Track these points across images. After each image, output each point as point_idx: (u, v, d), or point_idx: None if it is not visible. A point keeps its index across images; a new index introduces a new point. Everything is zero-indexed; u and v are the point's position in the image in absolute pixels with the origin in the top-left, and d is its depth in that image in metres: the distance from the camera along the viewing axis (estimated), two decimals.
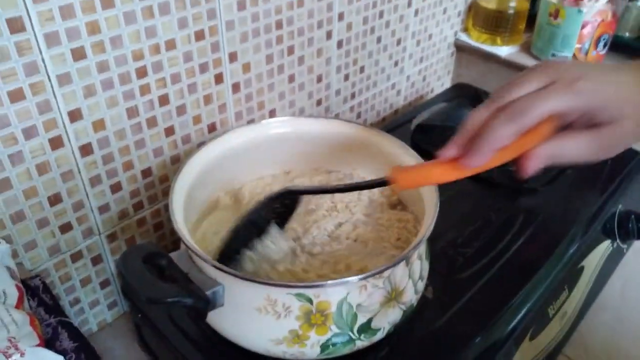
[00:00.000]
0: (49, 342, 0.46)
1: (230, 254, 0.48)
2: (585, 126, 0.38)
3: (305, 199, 0.55)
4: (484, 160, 0.38)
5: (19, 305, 0.47)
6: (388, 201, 0.58)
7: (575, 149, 0.38)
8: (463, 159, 0.38)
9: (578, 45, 0.90)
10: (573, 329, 0.66)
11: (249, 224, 0.49)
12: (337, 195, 0.57)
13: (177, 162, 0.63)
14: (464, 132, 0.39)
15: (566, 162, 0.38)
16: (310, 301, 0.41)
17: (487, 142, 0.37)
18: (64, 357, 0.44)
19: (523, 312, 0.55)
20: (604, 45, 0.92)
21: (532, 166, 0.38)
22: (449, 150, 0.40)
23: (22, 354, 0.42)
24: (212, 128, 0.65)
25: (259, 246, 0.49)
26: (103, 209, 0.59)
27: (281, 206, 0.52)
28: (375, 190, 0.58)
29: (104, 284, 0.63)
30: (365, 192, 0.58)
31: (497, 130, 0.36)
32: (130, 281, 0.39)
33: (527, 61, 0.96)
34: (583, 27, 0.88)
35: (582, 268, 0.64)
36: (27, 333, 0.44)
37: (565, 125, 0.38)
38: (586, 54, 0.91)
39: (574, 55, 0.91)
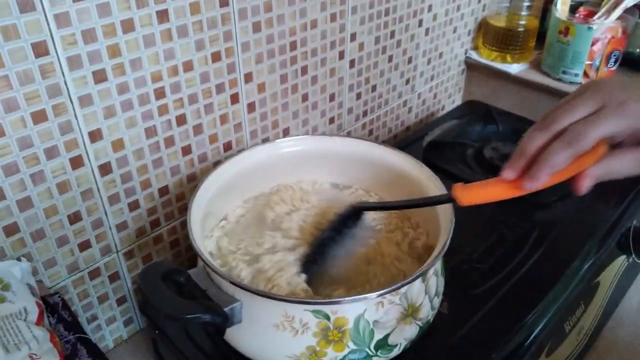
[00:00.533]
0: (68, 359, 0.47)
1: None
2: (634, 143, 0.41)
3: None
4: (542, 183, 0.41)
5: (39, 322, 0.47)
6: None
7: (625, 166, 0.41)
8: (523, 181, 0.41)
9: (589, 62, 0.90)
10: (590, 345, 0.66)
11: (322, 244, 0.52)
12: None
13: (194, 180, 0.64)
14: (522, 155, 0.42)
15: (616, 178, 0.41)
16: (327, 317, 0.41)
17: (546, 166, 0.40)
18: None
19: (539, 328, 0.55)
20: (615, 62, 0.92)
21: (585, 186, 0.41)
22: (509, 172, 0.42)
23: None
24: (227, 147, 0.66)
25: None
26: (121, 226, 0.60)
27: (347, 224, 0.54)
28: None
29: (121, 301, 0.64)
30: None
31: (555, 156, 0.39)
32: (149, 298, 0.40)
33: (538, 78, 0.97)
34: (593, 44, 0.89)
35: (598, 283, 0.64)
36: (48, 349, 0.45)
37: (616, 143, 0.42)
38: (597, 70, 0.91)
39: (585, 72, 0.91)
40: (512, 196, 0.43)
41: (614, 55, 0.91)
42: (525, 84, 0.98)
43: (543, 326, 0.55)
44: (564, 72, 0.93)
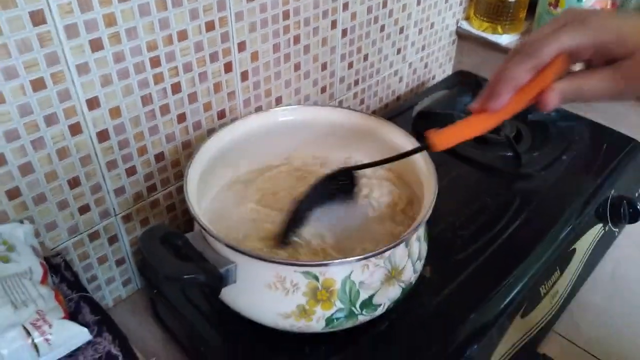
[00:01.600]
0: (72, 316, 0.50)
1: (289, 234, 0.52)
2: (603, 64, 0.40)
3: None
4: (504, 100, 0.40)
5: (44, 281, 0.50)
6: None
7: (595, 84, 0.40)
8: (488, 104, 0.41)
9: None
10: (564, 307, 0.69)
11: (307, 204, 0.53)
12: None
13: (189, 147, 0.66)
14: (488, 85, 0.42)
15: (587, 99, 0.40)
16: (316, 278, 0.44)
17: (505, 82, 0.39)
18: (87, 329, 0.47)
19: (516, 291, 0.58)
20: None
21: (552, 100, 0.40)
22: (476, 103, 0.43)
23: (50, 326, 0.45)
24: (221, 115, 0.68)
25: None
26: (119, 191, 0.62)
27: (338, 185, 0.55)
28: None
29: (119, 262, 0.67)
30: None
31: (514, 68, 0.39)
32: (149, 259, 0.42)
33: None
34: None
35: (574, 250, 0.68)
36: (54, 307, 0.47)
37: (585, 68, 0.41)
38: None
39: None
40: (484, 129, 0.43)
41: None
42: None
43: (519, 289, 0.58)
44: None
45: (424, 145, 0.46)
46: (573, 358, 0.65)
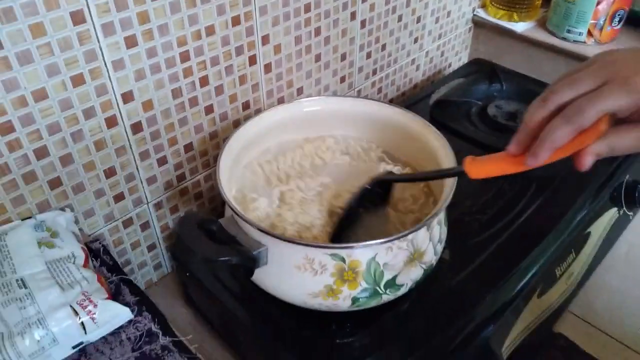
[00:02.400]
0: (113, 297, 0.53)
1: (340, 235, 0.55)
2: (639, 119, 0.40)
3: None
4: (544, 159, 0.41)
5: (86, 265, 0.53)
6: None
7: (628, 142, 0.40)
8: (526, 158, 0.42)
9: (593, 21, 0.93)
10: (579, 288, 0.71)
11: (349, 212, 0.55)
12: None
13: (216, 137, 0.69)
14: (525, 130, 0.43)
15: (619, 154, 0.41)
16: (343, 260, 0.47)
17: (546, 142, 0.40)
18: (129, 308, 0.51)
19: (532, 272, 0.60)
20: (619, 21, 0.95)
21: (587, 162, 0.41)
22: (513, 147, 0.44)
23: (95, 305, 0.48)
24: (245, 106, 0.71)
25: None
26: (151, 180, 0.65)
27: (374, 194, 0.57)
28: None
29: (151, 248, 0.70)
30: None
31: (555, 132, 0.39)
32: (187, 243, 0.45)
33: (543, 37, 0.99)
34: (598, 3, 0.91)
35: (589, 233, 0.69)
36: (97, 288, 0.51)
37: (620, 118, 0.41)
38: (601, 29, 0.94)
39: (589, 31, 0.94)
40: (516, 171, 0.45)
41: (619, 15, 0.93)
42: (530, 42, 1.01)
43: (535, 271, 0.61)
44: (569, 31, 0.96)
45: (462, 172, 0.48)
46: (587, 337, 0.67)
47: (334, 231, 0.55)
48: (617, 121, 0.40)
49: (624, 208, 0.76)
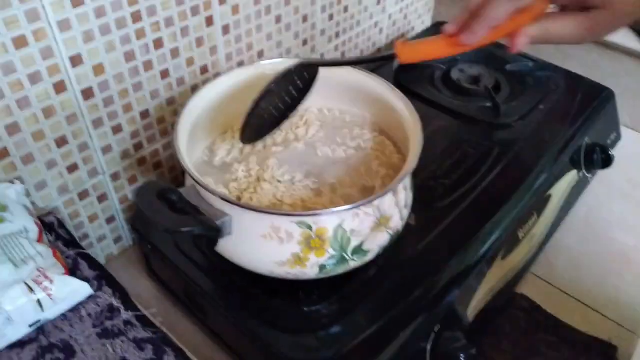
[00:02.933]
0: (71, 272, 0.51)
1: (250, 133, 0.53)
2: (577, 9, 0.41)
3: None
4: (479, 37, 0.42)
5: (40, 240, 0.51)
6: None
7: (563, 28, 0.41)
8: (461, 36, 0.42)
9: None
10: (541, 250, 0.73)
11: (268, 96, 0.53)
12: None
13: (173, 103, 0.66)
14: (464, 11, 0.42)
15: (554, 42, 0.42)
16: (309, 227, 0.46)
17: (485, 19, 0.41)
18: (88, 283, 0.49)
19: (495, 236, 0.61)
20: None
21: (521, 43, 0.42)
22: (450, 27, 0.43)
23: (51, 282, 0.46)
24: (204, 70, 0.68)
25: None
26: (106, 149, 0.62)
27: (299, 80, 0.55)
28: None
29: (110, 220, 0.68)
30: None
31: (494, 9, 0.40)
32: (147, 214, 0.43)
33: None
34: None
35: (550, 196, 0.71)
36: (53, 263, 0.48)
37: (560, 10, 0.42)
38: None
39: None
40: (450, 53, 0.45)
41: None
42: None
43: (499, 235, 0.61)
44: None
45: (392, 54, 0.47)
46: (549, 297, 0.69)
47: (246, 121, 0.53)
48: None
49: (584, 170, 0.78)
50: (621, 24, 0.42)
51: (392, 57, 0.47)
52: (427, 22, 1.10)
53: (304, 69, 0.54)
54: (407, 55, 0.47)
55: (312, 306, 0.53)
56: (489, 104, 0.77)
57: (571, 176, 0.76)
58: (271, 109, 0.54)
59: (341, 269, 0.50)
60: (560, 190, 0.73)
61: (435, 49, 0.46)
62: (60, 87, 0.54)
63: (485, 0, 0.41)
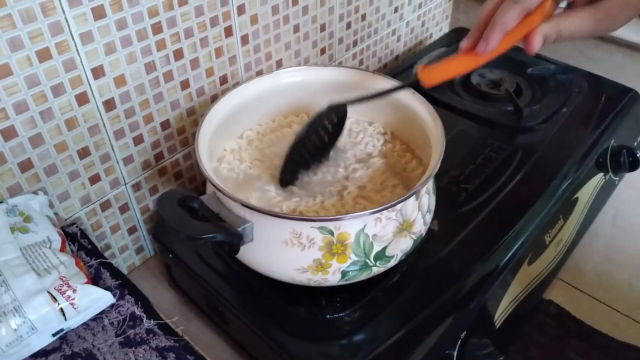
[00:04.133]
0: (93, 281, 0.51)
1: (288, 176, 0.54)
2: (586, 3, 0.42)
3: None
4: (494, 44, 0.43)
5: (62, 249, 0.51)
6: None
7: (575, 23, 0.42)
8: (477, 48, 0.43)
9: None
10: (567, 255, 0.71)
11: (301, 142, 0.53)
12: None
13: (193, 114, 0.66)
14: (477, 24, 0.44)
15: (567, 37, 0.42)
16: (331, 233, 0.45)
17: (496, 26, 0.41)
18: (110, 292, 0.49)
19: (521, 240, 0.60)
20: None
21: (536, 43, 0.42)
22: (465, 42, 0.45)
23: (74, 291, 0.46)
24: (223, 80, 0.68)
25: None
26: (127, 160, 0.62)
27: (329, 121, 0.55)
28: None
29: (131, 231, 0.68)
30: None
31: (504, 14, 0.41)
32: (169, 221, 0.43)
33: None
34: None
35: (577, 199, 0.69)
36: (75, 272, 0.48)
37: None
38: None
39: None
40: (471, 67, 0.46)
41: None
42: None
43: (525, 239, 0.60)
44: None
45: (415, 82, 0.49)
46: (577, 303, 0.67)
47: (283, 167, 0.54)
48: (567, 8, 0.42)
49: (610, 173, 0.76)
50: (633, 12, 0.42)
51: (416, 84, 0.49)
52: (445, 29, 1.09)
53: (332, 110, 0.55)
54: (430, 79, 0.48)
55: (334, 314, 0.52)
56: (510, 108, 0.76)
57: (598, 179, 0.74)
58: (304, 153, 0.55)
59: (364, 275, 0.49)
60: (586, 193, 0.72)
61: (456, 67, 0.47)
62: (82, 99, 0.55)
63: (494, 9, 0.42)
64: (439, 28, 1.08)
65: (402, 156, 0.59)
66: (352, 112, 0.65)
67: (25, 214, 0.52)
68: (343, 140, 0.61)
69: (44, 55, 0.50)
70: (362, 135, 0.62)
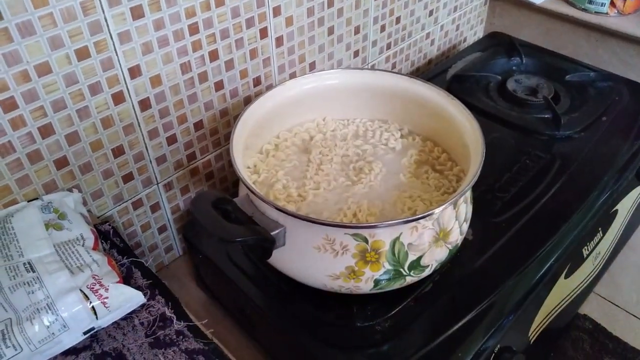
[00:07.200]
0: (125, 280, 0.51)
1: None
2: None
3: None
4: None
5: (95, 248, 0.51)
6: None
7: None
8: None
9: None
10: (605, 268, 0.69)
11: None
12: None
13: (226, 115, 0.66)
14: None
15: None
16: (365, 240, 0.44)
17: None
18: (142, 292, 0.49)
19: (558, 252, 0.58)
20: None
21: None
22: None
23: (106, 289, 0.46)
24: (257, 82, 0.68)
25: None
26: (160, 160, 0.62)
27: None
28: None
29: (161, 230, 0.68)
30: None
31: None
32: (203, 223, 0.43)
33: (562, 8, 0.95)
34: None
35: (616, 212, 0.67)
36: (108, 271, 0.49)
37: None
38: (625, 0, 0.90)
39: (612, 1, 0.90)
40: None
41: None
42: (549, 14, 0.97)
43: (562, 251, 0.58)
44: (590, 2, 0.92)
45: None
46: (614, 318, 0.65)
47: None
48: None
49: None
50: None
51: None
52: (479, 33, 1.07)
53: None
54: None
55: (365, 322, 0.51)
56: (548, 115, 0.74)
57: (638, 191, 0.72)
58: None
59: (396, 284, 0.48)
60: (626, 205, 0.69)
61: None
62: (118, 98, 0.55)
63: None
64: (474, 32, 1.06)
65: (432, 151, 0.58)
66: (383, 115, 0.64)
67: (59, 211, 0.52)
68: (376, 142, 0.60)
69: (82, 54, 0.50)
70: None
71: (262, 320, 0.55)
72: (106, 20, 0.50)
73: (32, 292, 0.44)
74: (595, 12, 0.92)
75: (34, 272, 0.45)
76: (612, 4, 0.90)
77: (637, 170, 0.70)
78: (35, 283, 0.45)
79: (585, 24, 0.93)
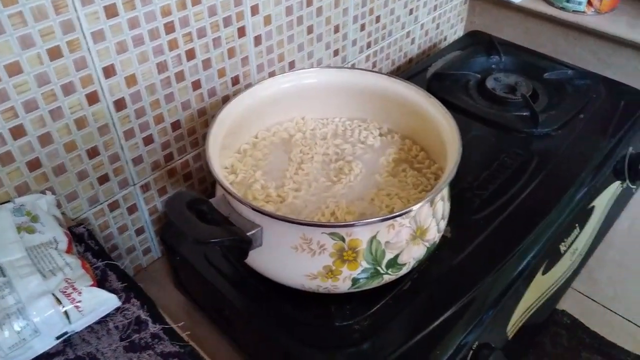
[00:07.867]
0: (99, 284, 0.50)
1: None
2: None
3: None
4: None
5: (69, 251, 0.50)
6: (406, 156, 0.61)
7: None
8: None
9: None
10: (582, 264, 0.70)
11: None
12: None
13: (204, 115, 0.66)
14: None
15: None
16: (342, 239, 0.44)
17: None
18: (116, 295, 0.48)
19: (536, 248, 0.58)
20: None
21: None
22: None
23: (79, 293, 0.45)
24: (235, 81, 0.67)
25: None
26: (137, 160, 0.62)
27: None
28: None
29: (139, 232, 0.67)
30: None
31: None
32: (178, 224, 0.42)
33: (540, 7, 0.96)
34: None
35: (593, 208, 0.67)
36: (81, 275, 0.48)
37: None
38: (601, 0, 0.91)
39: (589, 2, 0.91)
40: None
41: None
42: (528, 13, 0.98)
43: (540, 247, 0.59)
44: (567, 1, 0.93)
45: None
46: (591, 314, 0.66)
47: None
48: None
49: (627, 181, 0.74)
50: None
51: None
52: (459, 32, 1.08)
53: None
54: None
55: (344, 321, 0.51)
56: (526, 113, 0.75)
57: (614, 187, 0.72)
58: None
59: (375, 283, 0.48)
60: (603, 201, 0.70)
61: None
62: (92, 98, 0.54)
63: None
64: (454, 31, 1.06)
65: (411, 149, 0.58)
66: (362, 114, 0.64)
67: (32, 213, 0.51)
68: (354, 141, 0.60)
69: (55, 53, 0.49)
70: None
71: (241, 321, 0.55)
72: (79, 19, 0.49)
73: (2, 297, 0.43)
74: (573, 10, 0.93)
75: (4, 276, 0.44)
76: (589, 2, 0.91)
77: (614, 167, 0.71)
78: (6, 288, 0.44)
79: (563, 23, 0.94)
